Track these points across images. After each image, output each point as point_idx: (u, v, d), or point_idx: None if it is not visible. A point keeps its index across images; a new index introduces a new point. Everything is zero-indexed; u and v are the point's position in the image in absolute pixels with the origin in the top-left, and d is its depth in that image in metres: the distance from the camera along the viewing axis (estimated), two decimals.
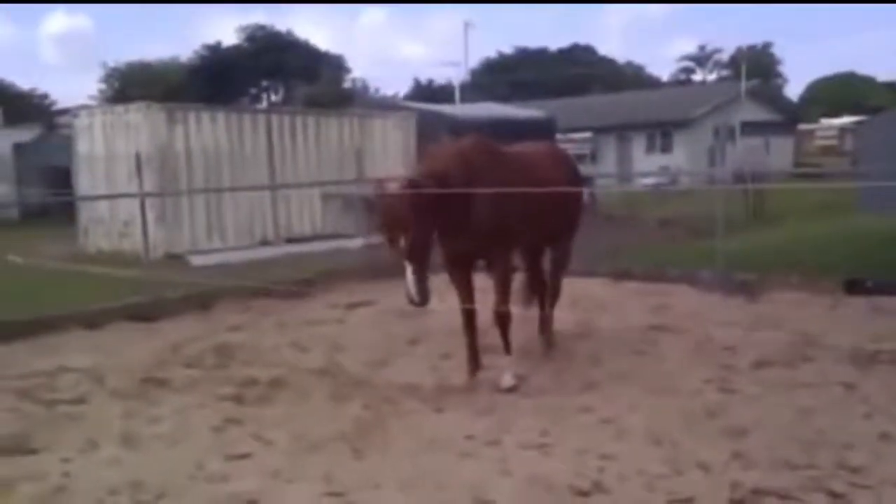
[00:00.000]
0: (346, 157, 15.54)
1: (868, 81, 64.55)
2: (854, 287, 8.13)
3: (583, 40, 75.62)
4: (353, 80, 61.31)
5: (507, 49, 69.42)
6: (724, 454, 4.25)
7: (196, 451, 4.61)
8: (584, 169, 29.92)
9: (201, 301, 8.94)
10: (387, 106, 25.16)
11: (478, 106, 25.04)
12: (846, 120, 41.41)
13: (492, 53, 69.53)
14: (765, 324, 7.15)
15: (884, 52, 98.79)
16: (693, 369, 5.89)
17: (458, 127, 17.51)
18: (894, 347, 6.04)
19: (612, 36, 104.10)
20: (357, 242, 11.81)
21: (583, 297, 8.57)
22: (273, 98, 59.36)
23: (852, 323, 7.15)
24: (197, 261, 12.90)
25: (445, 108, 21.99)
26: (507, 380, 5.60)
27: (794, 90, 69.11)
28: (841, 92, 60.75)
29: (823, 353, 6.12)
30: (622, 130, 35.52)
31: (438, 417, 5.08)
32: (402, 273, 5.18)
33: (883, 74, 68.47)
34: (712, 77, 66.06)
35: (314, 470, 4.27)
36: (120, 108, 14.95)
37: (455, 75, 47.59)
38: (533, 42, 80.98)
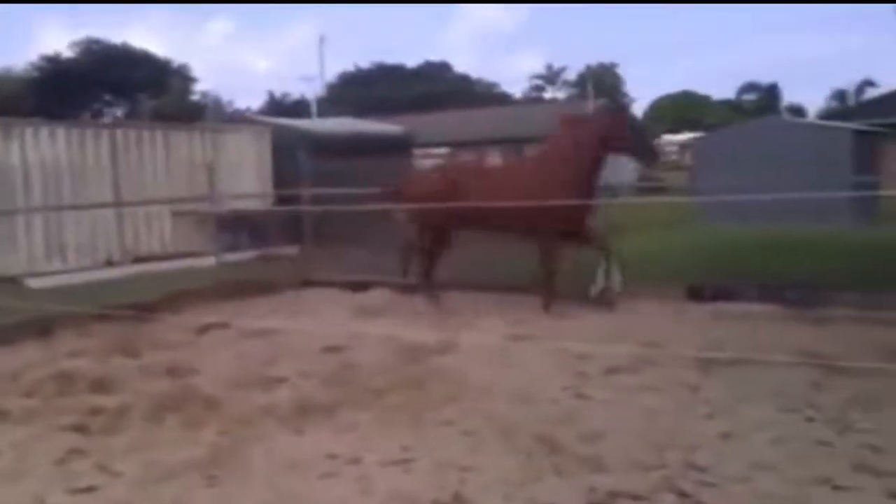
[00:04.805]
0: (197, 173, 15.05)
1: (704, 100, 68.91)
2: (695, 294, 8.58)
3: (437, 57, 76.73)
4: (203, 94, 59.64)
5: (364, 64, 69.52)
6: (581, 459, 4.36)
7: (36, 486, 4.30)
8: None
9: (40, 326, 8.36)
10: (240, 120, 24.58)
11: (335, 121, 24.86)
12: (685, 136, 43.93)
13: (349, 68, 69.43)
14: (616, 332, 7.41)
15: (718, 72, 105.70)
16: (549, 378, 6.03)
17: (314, 142, 17.31)
18: (733, 351, 6.38)
19: (465, 53, 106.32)
20: (209, 261, 11.44)
21: (446, 311, 8.64)
22: (117, 112, 56.81)
23: (695, 328, 7.53)
24: (35, 283, 12.10)
25: (301, 123, 21.67)
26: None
27: (638, 108, 72.80)
28: (680, 110, 64.47)
29: (669, 358, 6.40)
30: (478, 146, 36.22)
31: (298, 439, 4.96)
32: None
33: (717, 93, 73.35)
34: (561, 95, 68.63)
35: (165, 500, 4.07)
36: None
37: (311, 89, 47.14)
38: (388, 58, 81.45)
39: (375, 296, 10.01)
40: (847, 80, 77.65)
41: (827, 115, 44.25)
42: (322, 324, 8.17)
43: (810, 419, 4.93)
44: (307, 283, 10.99)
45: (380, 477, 4.26)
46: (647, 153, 9.58)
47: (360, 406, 5.49)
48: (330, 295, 10.22)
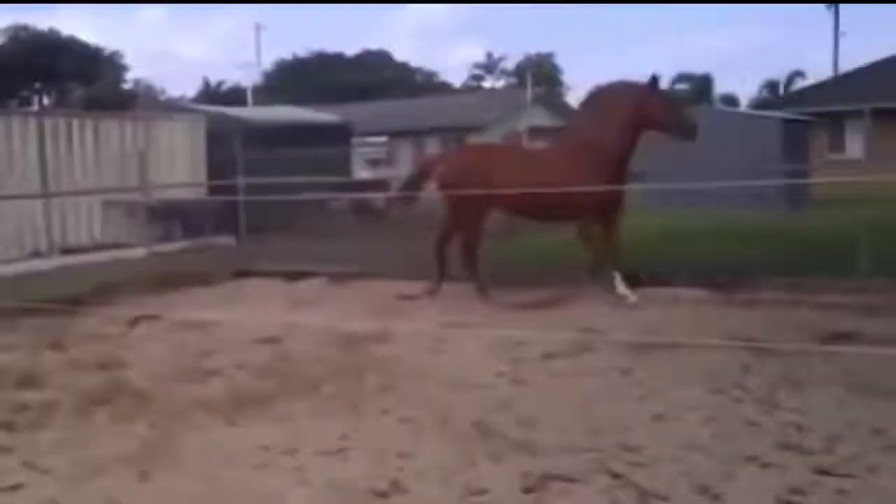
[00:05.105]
0: (128, 162, 14.70)
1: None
2: (630, 280, 8.69)
3: (376, 46, 76.35)
4: (136, 81, 58.27)
5: (302, 52, 68.70)
6: (516, 444, 4.40)
7: None
8: (381, 172, 30.36)
9: None
10: (173, 108, 24.08)
11: (271, 109, 24.55)
12: None
13: (286, 56, 68.51)
14: (551, 318, 7.49)
15: (653, 62, 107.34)
16: (486, 364, 6.07)
17: (250, 131, 17.06)
18: (666, 335, 6.50)
19: (405, 42, 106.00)
20: (140, 252, 11.20)
21: (382, 300, 8.62)
22: (46, 100, 55.12)
23: (629, 314, 7.66)
24: None
25: (237, 111, 21.35)
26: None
27: (574, 97, 73.62)
28: None
29: (603, 343, 6.50)
30: (417, 135, 36.19)
31: (232, 430, 4.89)
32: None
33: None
34: (500, 84, 68.92)
35: (96, 496, 3.97)
36: None
37: (247, 77, 46.43)
38: (327, 46, 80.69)
39: (311, 286, 9.93)
40: (778, 70, 79.64)
41: (759, 104, 45.37)
42: (257, 315, 8.06)
43: (739, 400, 5.05)
44: (242, 274, 10.84)
45: (316, 467, 4.23)
46: (685, 129, 8.67)
47: (295, 396, 5.45)
48: (265, 285, 10.10)
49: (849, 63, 32.82)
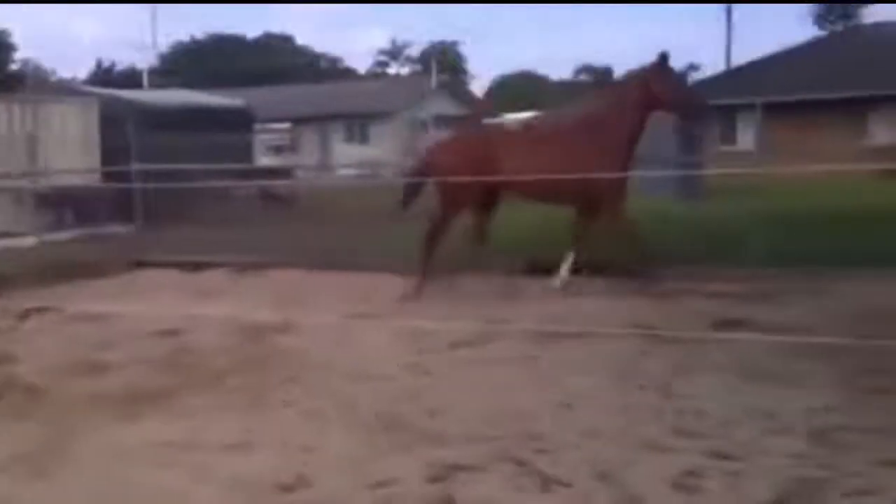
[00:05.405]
0: (16, 147, 14.01)
1: (543, 80, 71.10)
2: (534, 269, 8.82)
3: (278, 29, 74.93)
4: (24, 62, 55.47)
5: (200, 34, 66.79)
6: (422, 434, 4.42)
7: None
8: (285, 160, 29.90)
9: None
10: (64, 90, 23.04)
11: (168, 93, 23.83)
12: (526, 115, 44.93)
13: (183, 37, 66.45)
14: (457, 308, 7.54)
15: (556, 53, 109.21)
16: (392, 355, 6.07)
17: (147, 114, 16.50)
18: (569, 324, 6.64)
19: (309, 26, 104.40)
20: (29, 241, 10.70)
21: (287, 290, 8.49)
22: None
23: (534, 303, 7.77)
24: None
25: (133, 95, 20.61)
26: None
27: (477, 86, 74.29)
28: (519, 89, 66.07)
29: (509, 332, 6.59)
30: (322, 121, 35.78)
31: (130, 426, 4.73)
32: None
33: (554, 74, 75.87)
34: (405, 71, 68.79)
35: None
36: None
37: (142, 59, 44.85)
38: (226, 28, 78.69)
39: (213, 276, 9.70)
40: (675, 65, 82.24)
41: None
42: (156, 306, 7.83)
43: (639, 387, 5.20)
44: (139, 265, 10.50)
45: (219, 463, 4.14)
46: (697, 110, 8.36)
47: (197, 390, 5.33)
48: (164, 276, 9.82)
49: (741, 58, 34.04)
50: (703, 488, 3.71)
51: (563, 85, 69.62)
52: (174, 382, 5.48)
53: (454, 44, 71.29)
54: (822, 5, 51.89)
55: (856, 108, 24.81)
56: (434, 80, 42.22)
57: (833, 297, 7.37)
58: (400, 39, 72.92)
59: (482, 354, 6.07)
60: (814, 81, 25.69)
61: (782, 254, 8.30)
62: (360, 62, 75.13)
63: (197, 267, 10.02)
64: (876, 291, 7.44)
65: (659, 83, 7.98)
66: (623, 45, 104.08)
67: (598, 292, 8.10)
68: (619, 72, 75.05)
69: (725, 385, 5.15)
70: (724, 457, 4.01)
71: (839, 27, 45.76)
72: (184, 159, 12.72)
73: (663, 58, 8.09)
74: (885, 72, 24.49)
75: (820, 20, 51.93)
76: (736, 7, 38.91)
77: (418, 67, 65.32)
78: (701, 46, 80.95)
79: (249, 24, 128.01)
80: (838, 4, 50.84)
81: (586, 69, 74.31)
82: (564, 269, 8.31)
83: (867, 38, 29.23)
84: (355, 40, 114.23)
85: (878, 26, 31.84)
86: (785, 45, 31.13)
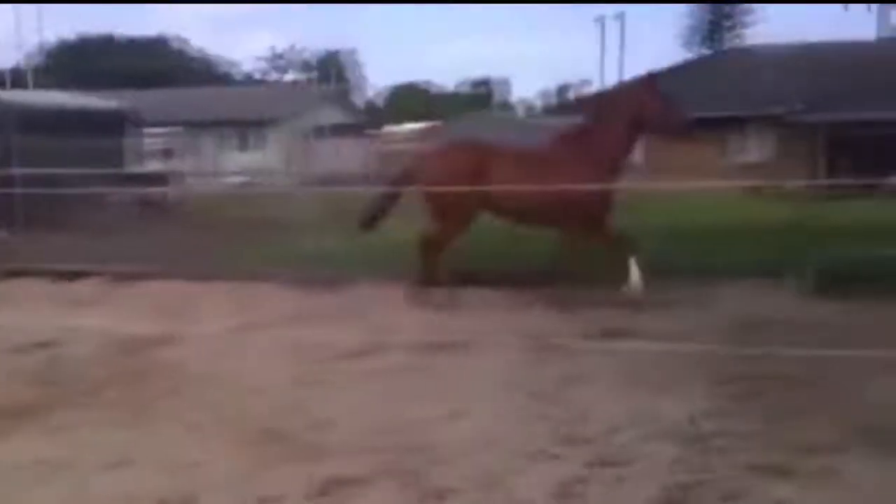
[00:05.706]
0: None
1: (438, 89, 72.10)
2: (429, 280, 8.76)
3: (157, 30, 72.68)
4: None
5: (72, 35, 63.92)
6: (308, 448, 4.37)
7: None
8: (167, 165, 28.89)
9: None
10: None
11: (36, 93, 22.70)
12: (416, 126, 44.94)
13: (54, 38, 63.37)
14: (348, 319, 7.47)
15: (452, 63, 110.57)
16: (277, 367, 5.97)
17: (14, 116, 15.64)
18: (461, 335, 6.68)
19: (191, 29, 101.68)
20: None
21: (165, 301, 8.23)
22: None
23: (425, 314, 7.76)
24: None
25: (10, 95, 19.54)
26: None
27: (377, 97, 74.43)
28: (407, 100, 66.49)
29: (397, 343, 6.57)
30: (209, 127, 34.81)
31: (2, 444, 4.51)
32: None
33: (451, 84, 76.83)
34: (298, 77, 68.00)
35: None
36: None
37: (9, 60, 42.52)
38: (102, 28, 75.37)
39: (88, 286, 9.29)
40: (567, 78, 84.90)
41: (549, 111, 48.00)
42: (29, 317, 7.44)
43: (527, 395, 5.29)
44: (11, 273, 9.92)
45: (98, 481, 3.99)
46: (680, 128, 8.35)
47: (73, 404, 5.11)
48: (37, 285, 9.32)
49: (632, 72, 35.31)
50: (586, 494, 3.81)
51: (449, 97, 70.67)
52: (48, 396, 5.25)
53: (353, 52, 71.23)
54: (688, 29, 54.91)
55: (728, 127, 25.96)
56: (321, 88, 41.84)
57: (713, 307, 7.68)
58: (288, 45, 72.19)
59: (369, 366, 6.03)
60: (692, 100, 26.75)
61: (667, 266, 8.56)
62: (246, 67, 73.35)
63: (73, 276, 9.56)
64: (751, 301, 7.80)
65: (650, 108, 8.05)
66: (513, 58, 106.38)
67: (491, 304, 8.17)
68: (506, 86, 77.22)
69: (611, 392, 5.30)
70: (608, 464, 4.14)
71: (705, 50, 48.31)
72: (55, 163, 12.11)
73: (652, 78, 8.30)
74: (749, 92, 25.74)
75: (687, 45, 54.77)
76: (628, 23, 40.23)
77: (307, 75, 64.66)
78: (582, 61, 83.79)
79: (145, 25, 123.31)
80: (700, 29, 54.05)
81: (476, 82, 75.86)
82: (634, 272, 8.07)
83: (737, 61, 30.66)
84: (243, 45, 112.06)
85: (743, 51, 33.61)
86: (664, 65, 32.46)
